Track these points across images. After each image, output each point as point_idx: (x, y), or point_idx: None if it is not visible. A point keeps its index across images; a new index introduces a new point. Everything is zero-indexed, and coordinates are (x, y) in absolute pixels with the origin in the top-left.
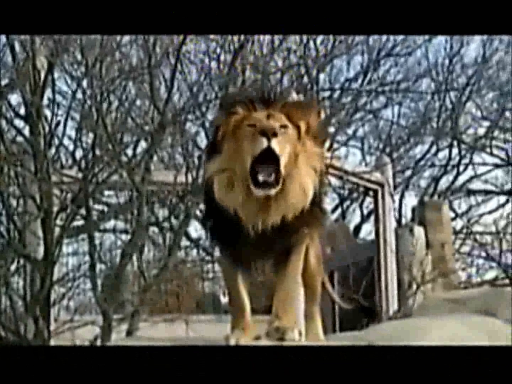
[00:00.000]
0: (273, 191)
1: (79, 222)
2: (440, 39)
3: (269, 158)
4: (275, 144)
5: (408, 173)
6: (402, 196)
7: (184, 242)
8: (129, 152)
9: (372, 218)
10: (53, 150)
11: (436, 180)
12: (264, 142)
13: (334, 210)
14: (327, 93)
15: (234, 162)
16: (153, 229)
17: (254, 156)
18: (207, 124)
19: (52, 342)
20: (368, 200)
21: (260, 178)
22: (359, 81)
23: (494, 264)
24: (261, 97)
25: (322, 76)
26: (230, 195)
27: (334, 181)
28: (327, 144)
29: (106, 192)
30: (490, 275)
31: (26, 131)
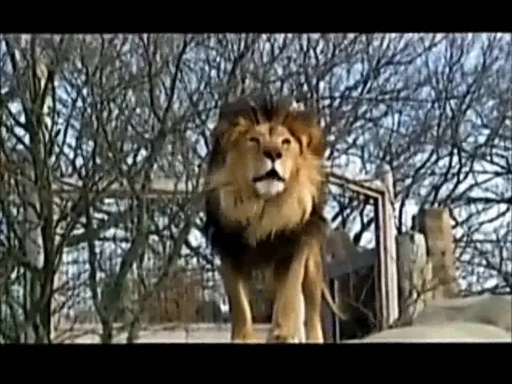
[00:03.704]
0: (275, 187)
1: (79, 231)
2: (440, 47)
3: (272, 176)
4: (278, 165)
5: (409, 181)
6: (402, 204)
7: (184, 250)
8: (129, 160)
9: (373, 226)
10: (53, 158)
11: (436, 188)
12: (268, 164)
13: (334, 218)
14: (327, 102)
15: (237, 175)
16: (153, 237)
17: (258, 176)
18: (207, 133)
19: None
20: (369, 208)
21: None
22: (359, 89)
23: (494, 272)
24: (263, 107)
25: (322, 84)
26: (237, 208)
27: (334, 189)
28: (326, 153)
29: (106, 200)
30: (490, 283)
31: (27, 139)
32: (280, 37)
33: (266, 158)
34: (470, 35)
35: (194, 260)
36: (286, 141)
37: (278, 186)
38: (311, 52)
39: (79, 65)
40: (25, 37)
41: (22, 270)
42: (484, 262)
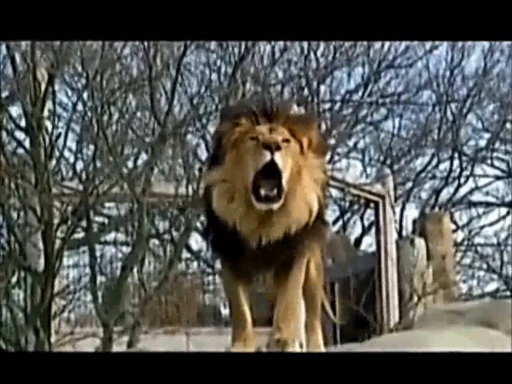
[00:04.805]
0: (275, 206)
1: (79, 234)
2: (441, 50)
3: (271, 171)
4: (278, 157)
5: (409, 185)
6: (403, 208)
7: (185, 254)
8: (130, 164)
9: (373, 230)
10: (53, 162)
11: (437, 192)
12: (268, 156)
13: (335, 222)
14: (327, 105)
15: (235, 174)
16: (154, 241)
17: (257, 170)
18: (207, 136)
19: None
20: (369, 212)
21: (262, 192)
22: (360, 92)
23: (495, 276)
24: (264, 110)
25: (322, 87)
26: (229, 207)
27: (335, 193)
28: (327, 157)
29: (107, 204)
30: (491, 287)
31: (27, 143)
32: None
33: (265, 150)
34: None
35: (195, 264)
36: (286, 140)
37: (277, 205)
38: (312, 55)
39: (79, 68)
40: (25, 41)
41: (22, 274)
42: (484, 266)
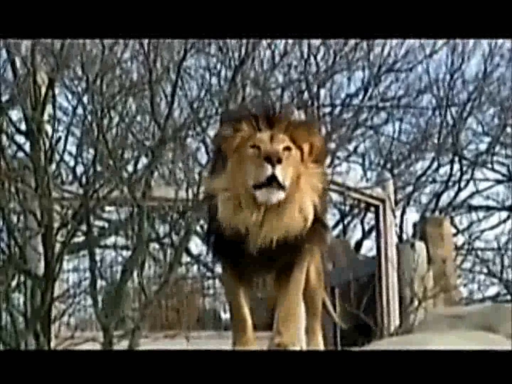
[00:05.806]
0: (276, 195)
1: (79, 238)
2: (441, 54)
3: (272, 185)
4: (279, 171)
5: (409, 189)
6: (403, 212)
7: (185, 258)
8: (130, 168)
9: (373, 234)
10: (53, 166)
11: (437, 196)
12: (269, 169)
13: (335, 226)
14: (327, 109)
15: (237, 182)
16: (154, 245)
17: (258, 182)
18: (208, 140)
19: None
20: (369, 216)
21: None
22: (360, 97)
23: (495, 280)
24: (265, 115)
25: (322, 91)
26: (235, 214)
27: (335, 197)
28: (327, 161)
29: (107, 208)
30: (491, 291)
31: (27, 147)
32: (280, 44)
33: (266, 163)
34: (471, 42)
35: (195, 268)
36: (287, 148)
37: (279, 195)
38: (312, 59)
39: (79, 72)
40: (25, 44)
41: (22, 278)
42: (485, 270)
